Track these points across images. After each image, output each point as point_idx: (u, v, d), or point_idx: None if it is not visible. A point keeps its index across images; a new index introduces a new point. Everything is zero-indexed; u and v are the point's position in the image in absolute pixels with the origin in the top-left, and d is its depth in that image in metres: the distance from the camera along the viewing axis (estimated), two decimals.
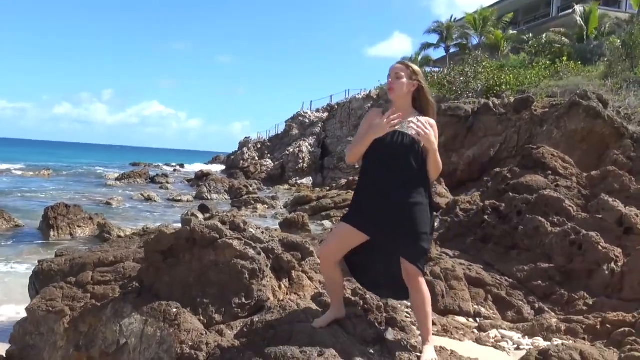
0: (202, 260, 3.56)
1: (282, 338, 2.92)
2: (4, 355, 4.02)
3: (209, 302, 3.42)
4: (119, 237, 9.67)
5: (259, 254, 3.56)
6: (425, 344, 2.90)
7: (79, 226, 11.43)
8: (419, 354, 2.87)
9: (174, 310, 3.34)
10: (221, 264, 3.52)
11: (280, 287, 3.64)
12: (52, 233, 11.02)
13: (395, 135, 2.89)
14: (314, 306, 3.35)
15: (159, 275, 3.65)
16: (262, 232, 3.94)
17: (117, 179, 31.27)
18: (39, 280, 5.15)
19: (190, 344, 3.12)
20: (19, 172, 34.77)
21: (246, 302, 3.42)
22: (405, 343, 3.04)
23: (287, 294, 3.63)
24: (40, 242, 10.89)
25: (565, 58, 23.13)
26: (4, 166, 37.58)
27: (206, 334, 3.20)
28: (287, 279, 3.72)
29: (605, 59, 21.90)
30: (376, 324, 3.27)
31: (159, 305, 3.39)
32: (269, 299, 3.47)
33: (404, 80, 2.92)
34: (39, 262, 5.52)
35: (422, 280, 2.90)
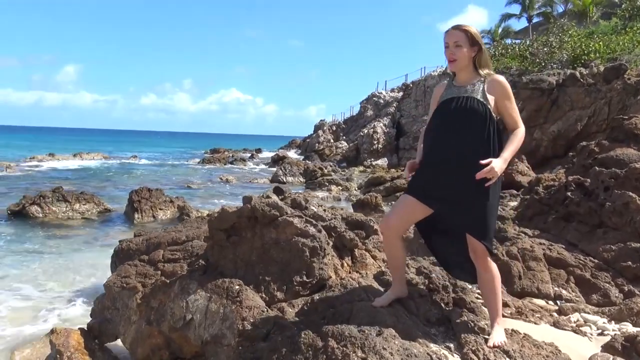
0: (263, 238, 3.56)
1: (341, 316, 2.85)
2: (86, 328, 4.26)
3: (270, 280, 3.42)
4: (199, 217, 10.03)
5: (320, 231, 3.49)
6: (494, 326, 2.71)
7: (160, 209, 11.99)
8: (486, 337, 2.69)
9: (237, 287, 3.36)
10: (282, 241, 3.49)
11: (342, 265, 3.56)
12: (136, 216, 11.64)
13: (461, 100, 2.69)
14: (375, 285, 3.24)
15: (223, 252, 3.69)
16: (325, 210, 3.87)
17: (198, 164, 32.59)
18: (119, 258, 5.43)
19: (251, 320, 3.13)
20: (109, 161, 37.13)
21: (307, 280, 3.38)
22: (473, 325, 2.86)
23: (349, 272, 3.54)
24: (125, 224, 11.58)
25: None
26: (92, 155, 40.26)
27: (267, 311, 3.19)
28: (349, 257, 3.63)
29: None
30: (442, 305, 3.11)
31: (222, 282, 3.43)
32: (330, 277, 3.41)
33: (465, 49, 2.70)
34: (119, 241, 5.84)
35: (490, 259, 2.71)
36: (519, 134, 2.68)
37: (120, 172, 27.16)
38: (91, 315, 4.48)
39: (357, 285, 3.14)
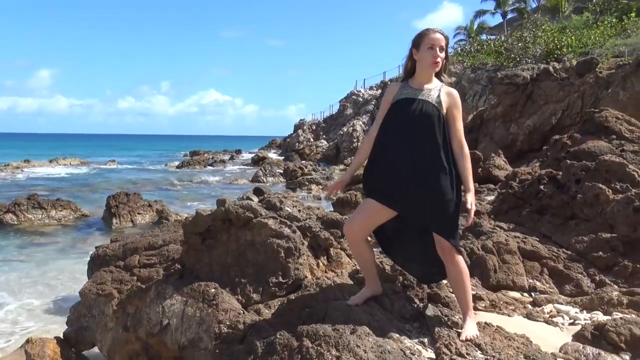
0: (238, 240, 3.56)
1: (317, 316, 2.86)
2: (62, 337, 4.21)
3: (246, 282, 3.42)
4: (176, 221, 9.95)
5: (295, 232, 3.50)
6: (466, 320, 2.76)
7: (139, 213, 11.87)
8: (460, 330, 2.73)
9: (212, 290, 3.35)
10: (257, 243, 3.49)
11: (318, 265, 3.58)
12: (114, 221, 11.50)
13: (416, 103, 2.76)
14: (351, 283, 3.27)
15: (198, 256, 3.68)
16: (299, 211, 3.89)
17: (177, 167, 32.33)
18: (95, 264, 5.37)
19: (228, 323, 3.13)
20: (86, 166, 36.61)
21: (283, 281, 3.39)
22: (447, 319, 2.90)
23: (325, 271, 3.56)
24: (103, 230, 11.42)
25: (633, 14, 21.50)
26: (68, 160, 39.67)
27: (243, 313, 3.19)
28: (325, 257, 3.66)
29: None
30: (416, 300, 3.15)
31: (198, 286, 3.42)
32: (306, 277, 3.42)
33: (444, 54, 2.80)
34: (96, 247, 5.78)
35: (458, 254, 2.77)
36: (468, 156, 2.80)
37: (98, 177, 26.80)
38: (67, 324, 4.42)
39: (333, 285, 3.16)
